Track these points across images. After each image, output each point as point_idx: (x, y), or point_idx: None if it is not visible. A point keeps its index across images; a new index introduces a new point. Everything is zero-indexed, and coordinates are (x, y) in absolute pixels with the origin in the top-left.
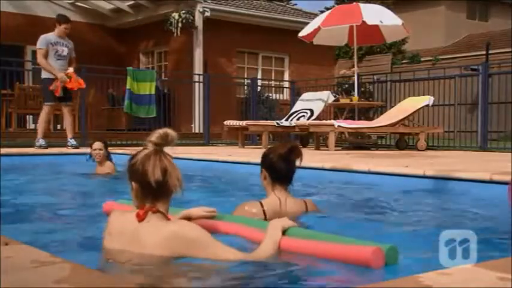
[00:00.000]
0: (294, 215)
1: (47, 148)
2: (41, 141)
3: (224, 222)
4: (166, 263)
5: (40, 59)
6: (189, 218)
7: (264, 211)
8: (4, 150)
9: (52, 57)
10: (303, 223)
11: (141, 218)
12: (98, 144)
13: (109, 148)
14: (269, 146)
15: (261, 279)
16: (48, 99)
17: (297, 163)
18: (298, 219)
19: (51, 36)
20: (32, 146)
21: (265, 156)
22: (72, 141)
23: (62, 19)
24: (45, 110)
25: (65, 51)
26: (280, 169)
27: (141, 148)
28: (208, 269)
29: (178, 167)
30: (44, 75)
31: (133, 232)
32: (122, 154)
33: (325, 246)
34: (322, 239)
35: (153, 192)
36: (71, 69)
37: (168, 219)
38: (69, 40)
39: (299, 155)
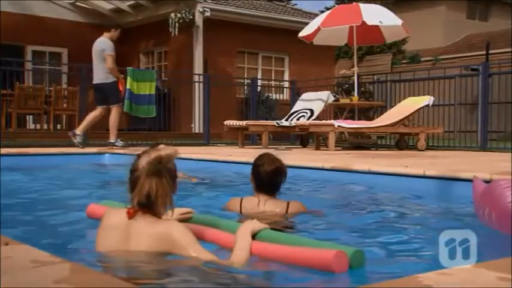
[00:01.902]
0: (271, 214)
1: (127, 147)
2: (120, 142)
3: (200, 227)
4: (157, 261)
5: (111, 63)
6: None
7: (240, 206)
8: (4, 150)
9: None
10: (291, 224)
11: (130, 216)
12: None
13: (123, 148)
14: (262, 152)
15: (249, 279)
16: (119, 100)
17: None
18: (291, 220)
19: (111, 42)
20: (33, 146)
21: (255, 165)
22: (122, 142)
23: (117, 26)
24: (117, 111)
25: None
26: (265, 183)
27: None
28: (200, 267)
29: (171, 183)
30: (112, 78)
31: (124, 228)
32: (122, 154)
33: (288, 250)
34: (289, 242)
35: (141, 205)
36: (121, 75)
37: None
38: None
39: (284, 174)
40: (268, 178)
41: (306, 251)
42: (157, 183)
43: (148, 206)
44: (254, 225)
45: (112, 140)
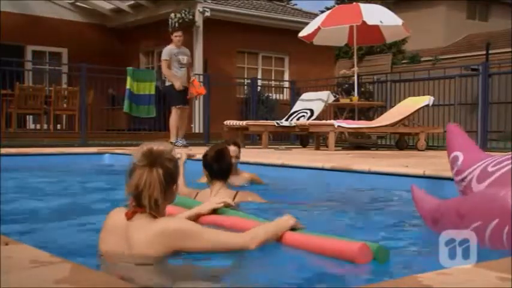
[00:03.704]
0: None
1: (187, 147)
2: (180, 141)
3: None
4: (158, 260)
5: (164, 69)
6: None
7: (196, 195)
8: (4, 150)
9: (176, 67)
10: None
11: (128, 217)
12: (235, 150)
13: (123, 148)
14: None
15: (257, 276)
16: (177, 103)
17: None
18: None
19: (172, 47)
20: (33, 146)
21: (203, 157)
22: (182, 141)
23: (173, 29)
24: (175, 112)
25: (185, 59)
26: (211, 169)
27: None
28: (199, 266)
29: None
30: (169, 82)
31: (123, 229)
32: (121, 154)
33: (316, 240)
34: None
35: (134, 198)
36: (193, 77)
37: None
38: (185, 48)
39: (224, 156)
40: (213, 162)
41: (330, 242)
42: (147, 175)
43: (139, 200)
44: (292, 221)
45: (172, 139)
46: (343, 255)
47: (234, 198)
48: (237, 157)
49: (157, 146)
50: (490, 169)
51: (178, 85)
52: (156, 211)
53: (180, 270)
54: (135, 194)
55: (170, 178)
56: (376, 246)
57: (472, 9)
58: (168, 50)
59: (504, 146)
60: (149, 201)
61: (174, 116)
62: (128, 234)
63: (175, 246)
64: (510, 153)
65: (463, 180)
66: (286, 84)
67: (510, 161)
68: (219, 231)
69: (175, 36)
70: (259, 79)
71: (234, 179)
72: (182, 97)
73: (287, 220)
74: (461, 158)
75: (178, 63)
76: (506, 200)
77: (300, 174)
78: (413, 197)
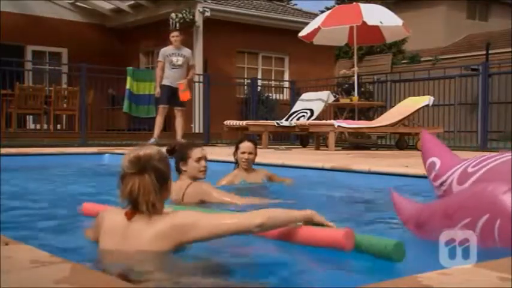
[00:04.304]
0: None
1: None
2: (153, 140)
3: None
4: (164, 258)
5: (157, 69)
6: None
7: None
8: (4, 150)
9: (168, 67)
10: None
11: (128, 218)
12: (249, 147)
13: (123, 148)
14: None
15: (256, 275)
16: (159, 102)
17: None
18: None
19: (168, 48)
20: (33, 146)
21: None
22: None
23: (170, 30)
24: (159, 111)
25: (179, 60)
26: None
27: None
28: (203, 263)
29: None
30: (161, 82)
31: (124, 230)
32: (122, 154)
33: (301, 230)
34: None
35: (130, 203)
36: (182, 81)
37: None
38: (186, 49)
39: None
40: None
41: (315, 231)
42: (140, 181)
43: (135, 205)
44: (309, 214)
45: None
46: (329, 244)
47: (185, 189)
48: (251, 153)
49: (144, 150)
50: (470, 170)
51: (157, 91)
52: (154, 212)
53: (183, 268)
54: (130, 199)
55: (163, 179)
56: (394, 243)
57: (472, 9)
58: (162, 51)
59: (504, 146)
60: (147, 207)
61: (158, 113)
62: (131, 233)
63: (183, 239)
64: (488, 153)
65: (442, 184)
66: (286, 84)
67: (491, 160)
68: (226, 215)
69: (172, 36)
70: (259, 79)
71: (250, 176)
72: (169, 97)
73: (304, 211)
74: (438, 163)
75: (170, 64)
76: (495, 194)
77: (300, 174)
78: (393, 202)
